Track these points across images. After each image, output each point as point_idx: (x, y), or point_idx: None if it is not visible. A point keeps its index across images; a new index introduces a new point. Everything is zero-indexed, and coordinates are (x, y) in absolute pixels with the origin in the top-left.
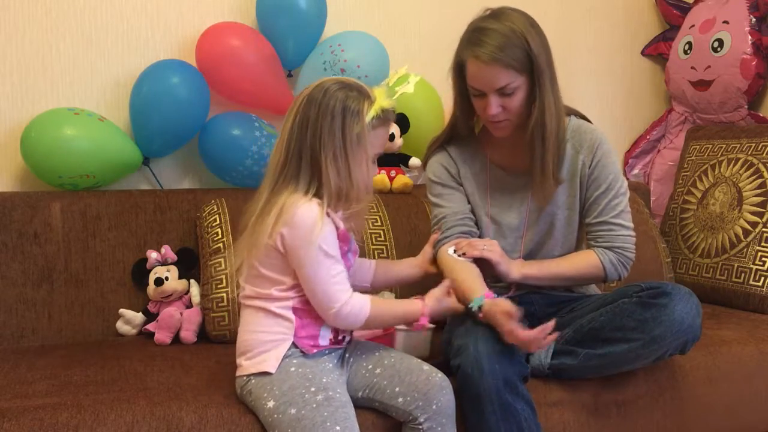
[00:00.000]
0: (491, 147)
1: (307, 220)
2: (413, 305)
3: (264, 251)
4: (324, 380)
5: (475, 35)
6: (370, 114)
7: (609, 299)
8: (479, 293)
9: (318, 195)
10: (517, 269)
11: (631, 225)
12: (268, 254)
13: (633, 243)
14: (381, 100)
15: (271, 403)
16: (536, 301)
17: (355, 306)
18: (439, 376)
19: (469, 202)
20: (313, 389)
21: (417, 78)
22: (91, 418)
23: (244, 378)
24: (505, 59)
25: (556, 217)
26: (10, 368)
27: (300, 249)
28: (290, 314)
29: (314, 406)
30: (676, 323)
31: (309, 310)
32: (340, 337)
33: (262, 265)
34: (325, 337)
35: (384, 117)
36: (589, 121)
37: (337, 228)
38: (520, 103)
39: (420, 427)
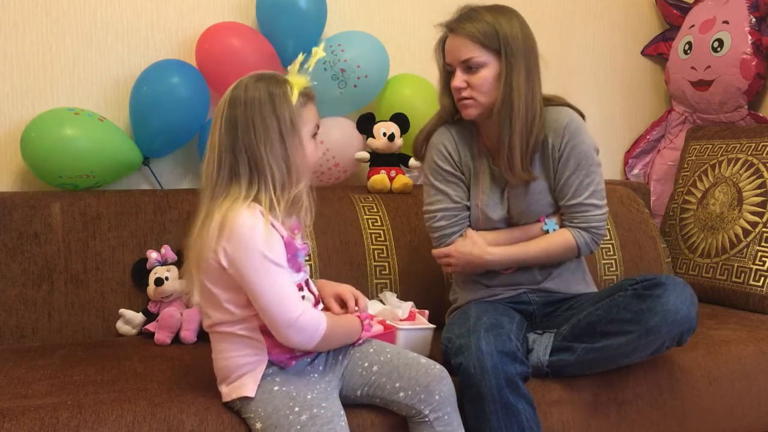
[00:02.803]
0: (481, 136)
1: (248, 225)
2: (354, 321)
3: (212, 268)
4: (308, 396)
5: (461, 13)
6: (295, 93)
7: (605, 294)
8: None
9: (258, 198)
10: (489, 254)
11: (604, 202)
12: (217, 271)
13: (605, 221)
14: (298, 79)
15: (258, 425)
16: (534, 300)
17: (314, 317)
18: (437, 368)
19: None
20: (297, 409)
21: (321, 45)
22: (92, 418)
23: (229, 402)
24: (474, 34)
25: (539, 204)
26: (10, 368)
27: (243, 259)
28: (258, 335)
29: (299, 427)
30: (670, 313)
31: None
32: None
33: (214, 284)
34: None
35: (307, 93)
36: (581, 113)
37: (282, 236)
38: (485, 83)
39: (426, 419)
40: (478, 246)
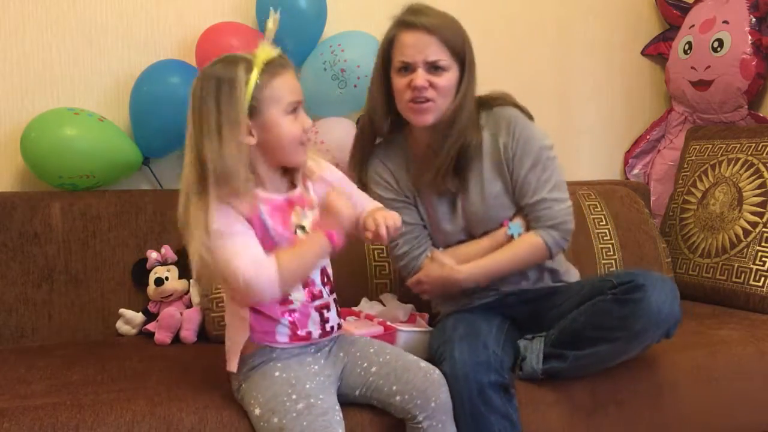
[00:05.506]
0: (412, 148)
1: (212, 224)
2: (319, 236)
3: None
4: (307, 386)
5: (414, 8)
6: (254, 73)
7: (586, 294)
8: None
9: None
10: (458, 272)
11: (567, 195)
12: None
13: (571, 214)
14: (262, 54)
15: (257, 410)
16: (512, 302)
17: (249, 269)
18: (436, 374)
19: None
20: (294, 397)
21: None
22: (91, 418)
23: (236, 383)
24: (443, 33)
25: (498, 208)
26: (9, 368)
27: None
28: (245, 311)
29: (294, 415)
30: (654, 314)
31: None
32: (302, 333)
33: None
34: (283, 334)
35: (279, 64)
36: (528, 114)
37: (242, 214)
38: (449, 86)
39: (419, 425)
40: (447, 267)
